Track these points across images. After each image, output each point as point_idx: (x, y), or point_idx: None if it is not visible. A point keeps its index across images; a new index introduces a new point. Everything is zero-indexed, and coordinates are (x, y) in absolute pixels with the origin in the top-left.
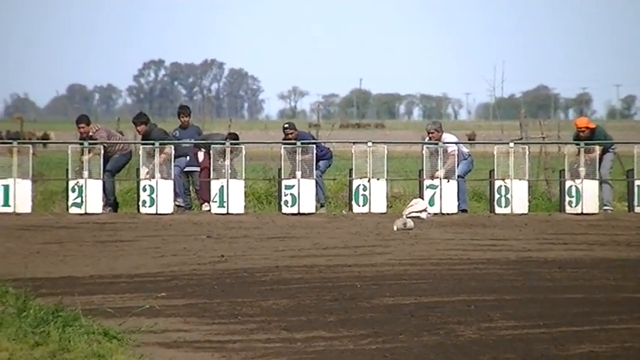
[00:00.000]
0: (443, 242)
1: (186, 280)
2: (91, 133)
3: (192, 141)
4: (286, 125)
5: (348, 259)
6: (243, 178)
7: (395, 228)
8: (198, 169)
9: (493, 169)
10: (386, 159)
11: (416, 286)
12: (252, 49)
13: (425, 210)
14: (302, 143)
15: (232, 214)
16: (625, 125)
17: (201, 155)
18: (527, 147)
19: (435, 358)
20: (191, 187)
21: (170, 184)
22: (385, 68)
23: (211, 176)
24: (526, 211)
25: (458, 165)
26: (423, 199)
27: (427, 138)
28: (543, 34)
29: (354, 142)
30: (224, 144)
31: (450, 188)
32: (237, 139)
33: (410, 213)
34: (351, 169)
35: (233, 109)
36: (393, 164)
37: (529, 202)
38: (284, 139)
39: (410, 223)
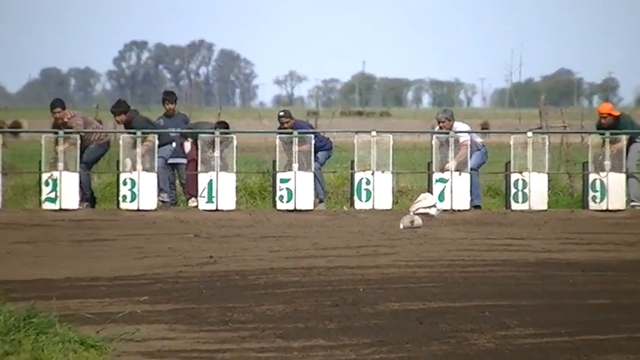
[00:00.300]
0: (454, 242)
1: (171, 283)
2: (65, 119)
3: (179, 130)
4: (282, 113)
5: (350, 260)
6: (235, 171)
7: (401, 226)
8: (184, 160)
9: (509, 162)
10: (391, 150)
11: (425, 290)
12: (244, 29)
13: (434, 206)
14: (299, 133)
15: (222, 210)
16: None
17: (187, 146)
18: (547, 137)
19: None
20: (177, 181)
21: (153, 177)
22: (391, 51)
23: (199, 169)
24: (545, 208)
25: (471, 156)
26: (432, 193)
27: (437, 127)
28: (565, 12)
29: (356, 132)
30: (213, 133)
31: (462, 182)
32: (228, 128)
33: (417, 209)
34: (353, 162)
35: (224, 96)
36: (400, 156)
37: (549, 197)
38: (279, 129)
39: (418, 221)
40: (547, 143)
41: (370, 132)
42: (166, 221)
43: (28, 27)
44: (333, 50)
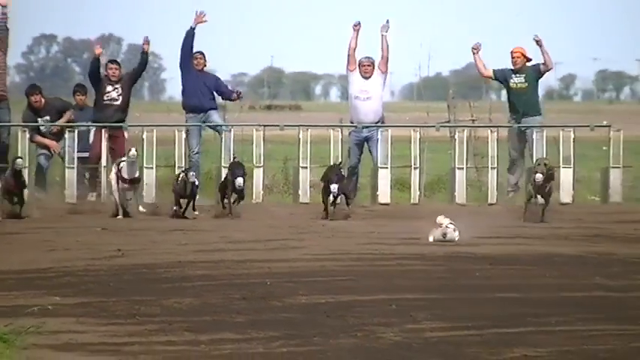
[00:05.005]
0: (363, 235)
1: (79, 276)
2: None
3: (88, 124)
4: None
5: (259, 253)
6: (143, 164)
7: (430, 239)
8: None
9: (417, 155)
10: (301, 144)
11: (333, 283)
12: (153, 23)
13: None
14: (208, 125)
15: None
16: (564, 108)
17: (91, 137)
18: (455, 130)
19: None
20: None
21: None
22: (300, 45)
23: (105, 162)
24: (456, 201)
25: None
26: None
27: (360, 74)
28: (472, 6)
29: (264, 125)
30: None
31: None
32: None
33: (449, 223)
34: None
35: (132, 89)
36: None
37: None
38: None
39: (451, 234)
40: (455, 137)
41: (278, 125)
42: (75, 214)
43: None
44: (241, 45)
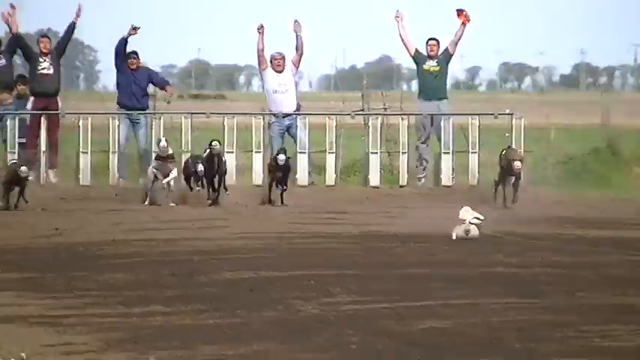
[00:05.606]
0: (283, 216)
1: (20, 254)
2: None
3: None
4: None
5: (187, 232)
6: (81, 149)
7: (454, 236)
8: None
9: (332, 141)
10: (226, 130)
11: (255, 260)
12: (88, 18)
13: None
14: (139, 113)
15: (68, 187)
16: (470, 97)
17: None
18: (369, 118)
19: (275, 333)
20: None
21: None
22: (224, 38)
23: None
24: (370, 184)
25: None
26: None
27: (271, 67)
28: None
29: (191, 113)
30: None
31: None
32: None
33: (473, 218)
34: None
35: (69, 80)
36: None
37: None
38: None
39: (474, 231)
40: (369, 124)
41: (205, 113)
42: (15, 196)
43: None
44: (170, 38)
